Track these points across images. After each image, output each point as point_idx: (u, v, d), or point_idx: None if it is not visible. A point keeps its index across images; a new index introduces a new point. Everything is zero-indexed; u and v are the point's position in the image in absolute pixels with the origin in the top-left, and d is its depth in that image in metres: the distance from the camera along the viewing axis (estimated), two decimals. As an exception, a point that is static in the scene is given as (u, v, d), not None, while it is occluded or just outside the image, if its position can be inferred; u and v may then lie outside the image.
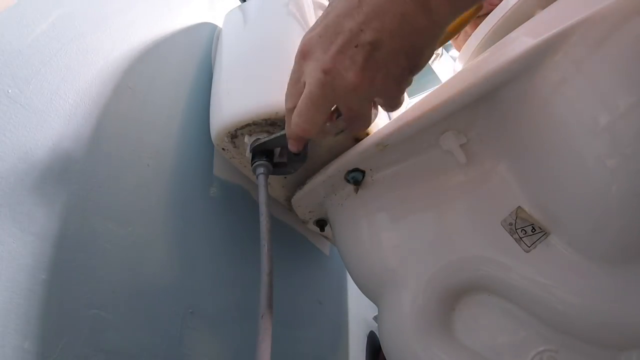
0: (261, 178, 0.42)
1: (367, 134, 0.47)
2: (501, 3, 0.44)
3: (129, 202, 0.42)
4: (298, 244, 0.73)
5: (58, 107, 0.37)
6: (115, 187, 0.41)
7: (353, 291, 0.89)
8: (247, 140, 0.46)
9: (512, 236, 0.42)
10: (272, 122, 0.45)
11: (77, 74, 0.40)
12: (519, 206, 0.43)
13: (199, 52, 0.63)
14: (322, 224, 0.59)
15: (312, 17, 0.56)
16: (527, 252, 0.41)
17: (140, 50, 0.50)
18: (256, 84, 0.47)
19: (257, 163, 0.43)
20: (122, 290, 0.38)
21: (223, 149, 0.50)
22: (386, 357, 0.47)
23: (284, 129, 0.43)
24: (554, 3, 0.39)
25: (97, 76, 0.43)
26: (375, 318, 0.90)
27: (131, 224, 0.41)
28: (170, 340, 0.42)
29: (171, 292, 0.44)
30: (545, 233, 0.41)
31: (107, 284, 0.37)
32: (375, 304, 0.50)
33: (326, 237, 0.77)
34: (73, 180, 0.37)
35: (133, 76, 0.48)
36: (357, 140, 0.47)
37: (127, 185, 0.42)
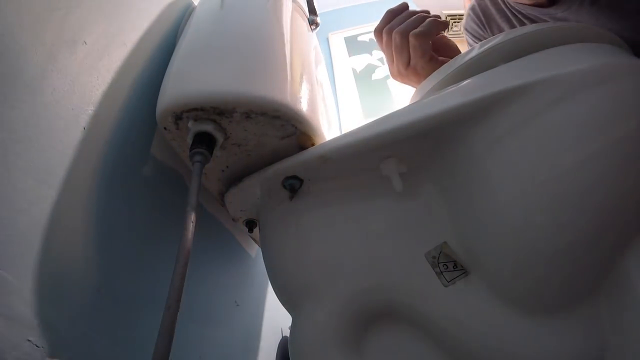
0: (197, 166, 0.41)
1: (313, 144, 0.47)
2: (466, 50, 0.46)
3: (56, 162, 0.39)
4: (224, 241, 0.71)
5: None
6: (44, 144, 0.37)
7: (273, 297, 0.87)
8: (191, 125, 0.44)
9: (433, 269, 0.43)
10: (220, 112, 0.43)
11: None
12: (445, 242, 0.44)
13: (167, 25, 0.61)
14: (251, 225, 0.58)
15: (288, 20, 0.56)
16: (446, 286, 0.42)
17: (106, 9, 0.47)
18: (214, 70, 0.45)
19: (195, 150, 0.42)
20: (32, 255, 0.35)
21: (165, 128, 0.47)
22: (292, 369, 0.46)
23: (231, 120, 0.42)
24: (517, 60, 0.41)
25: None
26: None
27: (53, 186, 0.38)
28: (75, 316, 0.38)
29: (82, 266, 0.40)
30: (465, 272, 0.42)
31: (16, 245, 0.34)
32: (290, 313, 0.49)
33: (254, 239, 0.75)
34: (1, 127, 0.34)
35: (92, 33, 0.44)
36: (302, 148, 0.47)
37: (58, 144, 0.39)
